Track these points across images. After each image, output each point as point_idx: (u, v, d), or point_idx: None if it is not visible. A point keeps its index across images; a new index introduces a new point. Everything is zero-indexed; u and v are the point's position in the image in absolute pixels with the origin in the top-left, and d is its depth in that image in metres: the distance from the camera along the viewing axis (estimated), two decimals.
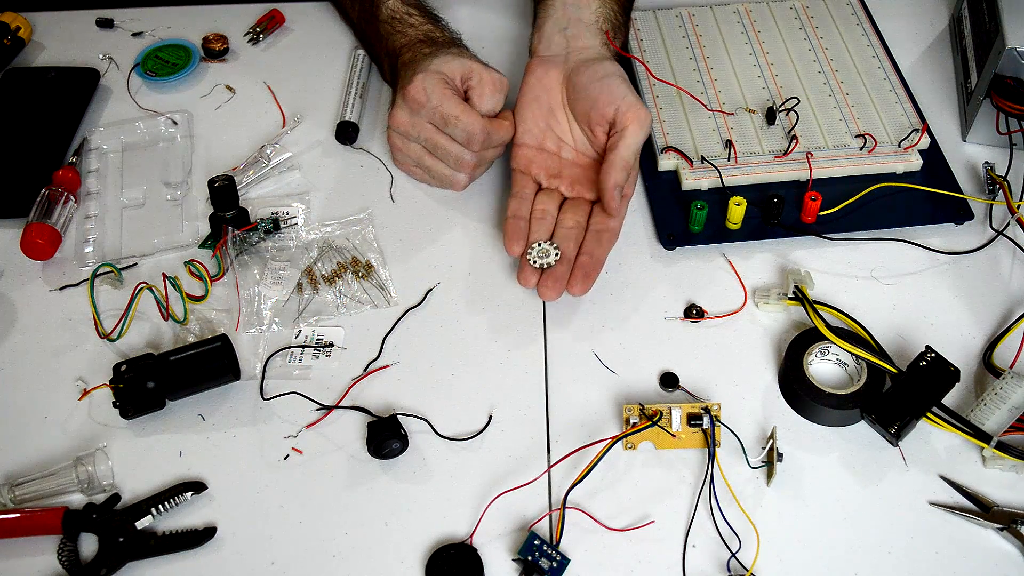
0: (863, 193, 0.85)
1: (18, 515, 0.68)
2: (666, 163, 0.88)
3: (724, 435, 0.72)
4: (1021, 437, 0.71)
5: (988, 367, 0.75)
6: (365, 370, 0.77)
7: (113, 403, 0.73)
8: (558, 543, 0.67)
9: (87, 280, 0.80)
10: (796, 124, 0.89)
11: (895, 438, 0.70)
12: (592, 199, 0.83)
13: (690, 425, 0.71)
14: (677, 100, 0.92)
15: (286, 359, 0.78)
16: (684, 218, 0.85)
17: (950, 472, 0.70)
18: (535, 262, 0.78)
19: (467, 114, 0.81)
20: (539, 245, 0.79)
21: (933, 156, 0.89)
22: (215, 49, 1.01)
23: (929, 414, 0.70)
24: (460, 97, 0.83)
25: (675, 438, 0.71)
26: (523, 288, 0.81)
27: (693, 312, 0.80)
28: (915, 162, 0.88)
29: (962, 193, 0.86)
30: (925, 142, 0.89)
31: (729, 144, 0.88)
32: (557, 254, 0.79)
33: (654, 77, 0.93)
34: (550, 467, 0.71)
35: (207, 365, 0.74)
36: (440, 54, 0.84)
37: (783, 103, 0.91)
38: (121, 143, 0.94)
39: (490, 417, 0.74)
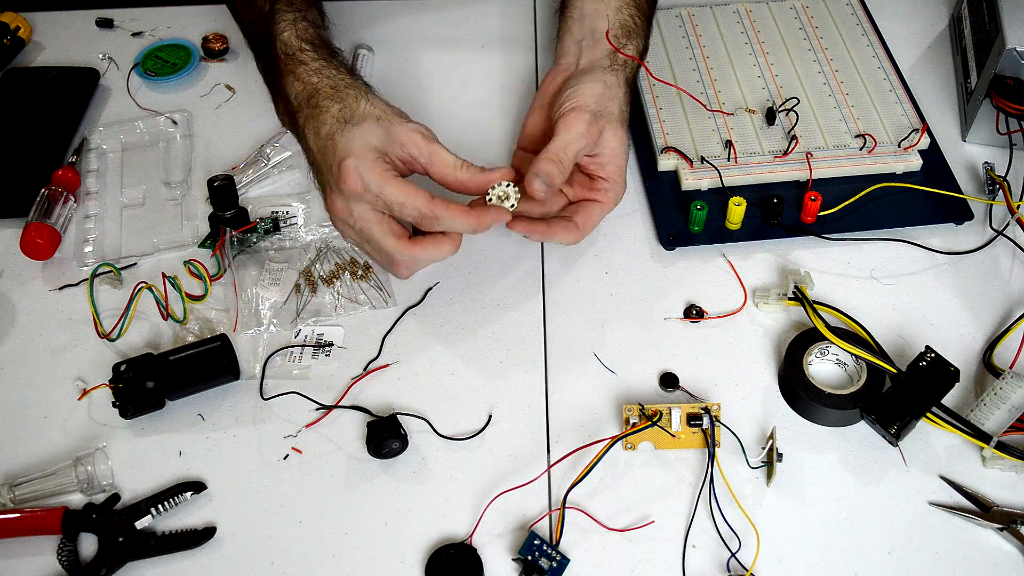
0: (863, 193, 0.85)
1: (18, 515, 0.68)
2: (666, 163, 0.88)
3: (724, 435, 0.72)
4: (1021, 437, 0.71)
5: (988, 367, 0.75)
6: (365, 370, 0.77)
7: (113, 403, 0.73)
8: (558, 543, 0.67)
9: (87, 280, 0.80)
10: (796, 124, 0.89)
11: (895, 438, 0.70)
12: (572, 199, 0.82)
13: (690, 425, 0.71)
14: (677, 100, 0.92)
15: (286, 359, 0.78)
16: (684, 218, 0.85)
17: (950, 472, 0.70)
18: (490, 200, 0.75)
19: (412, 196, 0.73)
20: (499, 186, 0.75)
21: (933, 156, 0.89)
22: (215, 49, 1.01)
23: (929, 414, 0.70)
24: (394, 172, 0.75)
25: (675, 438, 0.71)
26: (522, 288, 0.81)
27: (693, 312, 0.80)
28: (915, 162, 0.88)
29: (962, 193, 0.86)
30: (925, 142, 0.89)
31: (729, 144, 0.88)
32: (518, 196, 0.75)
33: (654, 77, 0.93)
34: (550, 467, 0.71)
35: (207, 365, 0.74)
36: (358, 124, 0.75)
37: (783, 103, 0.91)
38: (121, 143, 0.94)
39: (490, 417, 0.74)
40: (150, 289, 0.78)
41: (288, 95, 0.80)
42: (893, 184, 0.86)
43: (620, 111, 0.81)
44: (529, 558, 0.66)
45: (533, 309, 0.81)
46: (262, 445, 0.73)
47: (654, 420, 0.71)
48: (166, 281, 0.79)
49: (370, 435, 0.71)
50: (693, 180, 0.86)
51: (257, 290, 0.81)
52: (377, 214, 0.75)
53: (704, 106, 0.92)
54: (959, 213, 0.85)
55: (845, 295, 0.80)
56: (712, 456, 0.70)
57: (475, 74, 0.99)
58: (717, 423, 0.71)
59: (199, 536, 0.68)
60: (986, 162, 0.88)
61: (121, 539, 0.67)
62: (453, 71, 1.00)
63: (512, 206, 0.75)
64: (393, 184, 0.73)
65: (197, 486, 0.70)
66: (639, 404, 0.72)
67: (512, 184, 0.75)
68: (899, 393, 0.71)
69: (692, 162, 0.87)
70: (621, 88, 0.82)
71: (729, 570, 0.66)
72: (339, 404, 0.75)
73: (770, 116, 0.90)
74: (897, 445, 0.71)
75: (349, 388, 0.76)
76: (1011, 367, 0.75)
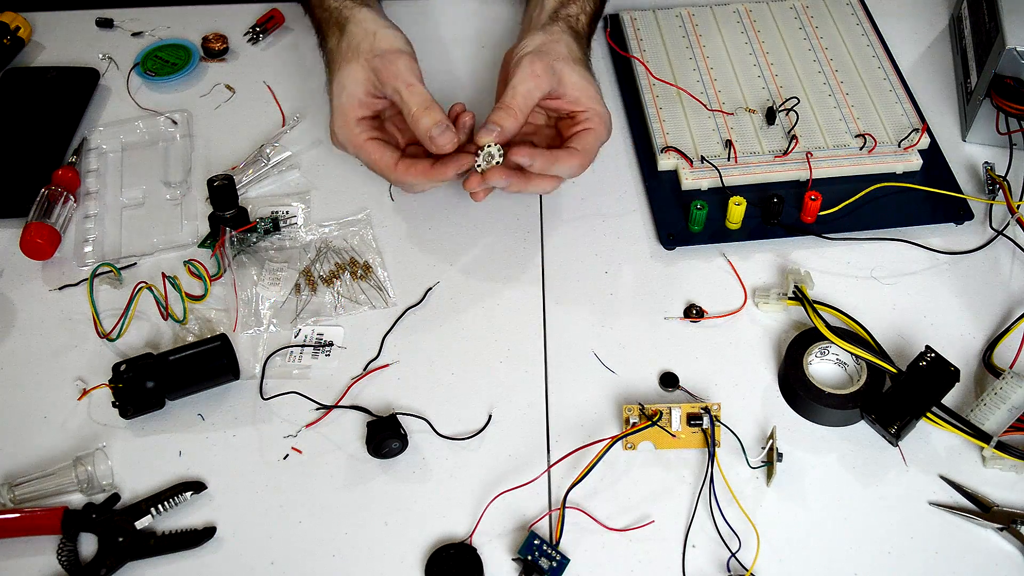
0: (863, 193, 0.85)
1: (18, 515, 0.68)
2: (666, 163, 0.88)
3: (724, 435, 0.72)
4: (1021, 437, 0.71)
5: (988, 367, 0.75)
6: (365, 369, 0.77)
7: (113, 403, 0.73)
8: (558, 543, 0.67)
9: (86, 280, 0.80)
10: (796, 124, 0.89)
11: (895, 438, 0.70)
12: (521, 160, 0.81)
13: (690, 425, 0.71)
14: (677, 100, 0.92)
15: (285, 358, 0.78)
16: (684, 218, 0.85)
17: (950, 472, 0.70)
18: (480, 167, 0.77)
19: (375, 160, 0.80)
20: (485, 148, 0.77)
21: (933, 156, 0.89)
22: (215, 49, 1.01)
23: (929, 414, 0.70)
24: (371, 133, 0.81)
25: (675, 438, 0.71)
26: (523, 287, 0.82)
27: (693, 312, 0.80)
28: (915, 162, 0.88)
29: (962, 193, 0.86)
30: (925, 142, 0.89)
31: (729, 144, 0.88)
32: (501, 153, 0.77)
33: (654, 77, 0.93)
34: (550, 467, 0.71)
35: (206, 365, 0.74)
36: (346, 66, 0.81)
37: (783, 103, 0.91)
38: (121, 143, 0.94)
39: (490, 417, 0.74)
40: (150, 289, 0.78)
41: (316, 23, 0.90)
42: (893, 184, 0.86)
43: (569, 52, 0.82)
44: (529, 558, 0.66)
45: (533, 309, 0.81)
46: (262, 445, 0.73)
47: (654, 420, 0.71)
48: (166, 281, 0.79)
49: (370, 435, 0.71)
50: (693, 180, 0.86)
51: (257, 290, 0.81)
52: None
53: (704, 106, 0.92)
54: (959, 213, 0.85)
55: (845, 295, 0.80)
56: (712, 456, 0.70)
57: (475, 74, 0.99)
58: (717, 423, 0.71)
59: (199, 536, 0.68)
60: (986, 162, 0.88)
61: (121, 539, 0.67)
62: (453, 71, 0.99)
63: (498, 163, 0.77)
64: (365, 148, 0.80)
65: (197, 486, 0.70)
66: (639, 404, 0.72)
67: (496, 145, 0.77)
68: (899, 393, 0.71)
69: (692, 162, 0.87)
70: (564, 34, 0.83)
71: (729, 570, 0.66)
72: (339, 404, 0.75)
73: (770, 116, 0.90)
74: (897, 445, 0.71)
75: (349, 388, 0.76)
76: (1011, 367, 0.75)
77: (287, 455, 0.73)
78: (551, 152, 0.78)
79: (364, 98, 0.80)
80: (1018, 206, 0.84)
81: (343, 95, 0.80)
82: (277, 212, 0.87)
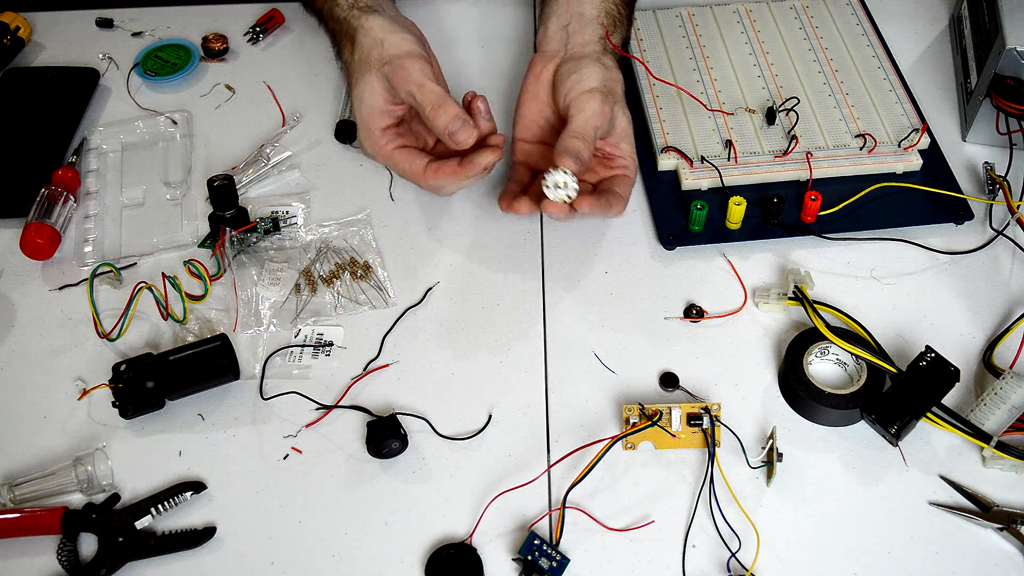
0: (863, 193, 0.85)
1: (18, 515, 0.68)
2: (666, 163, 0.88)
3: (724, 435, 0.72)
4: (1021, 437, 0.71)
5: (988, 367, 0.75)
6: (365, 369, 0.77)
7: (113, 403, 0.73)
8: (558, 543, 0.67)
9: (86, 280, 0.80)
10: (796, 124, 0.89)
11: (895, 438, 0.70)
12: (594, 181, 0.82)
13: (690, 425, 0.71)
14: (677, 100, 0.92)
15: (286, 358, 0.78)
16: (684, 218, 0.85)
17: (950, 472, 0.70)
18: (549, 193, 0.74)
19: (404, 170, 0.81)
20: (555, 173, 0.74)
21: (933, 156, 0.89)
22: (215, 49, 1.01)
23: (929, 414, 0.70)
24: (398, 142, 0.81)
25: (675, 438, 0.71)
26: (522, 288, 0.81)
27: (693, 312, 0.80)
28: (915, 162, 0.88)
29: (962, 193, 0.86)
30: (925, 142, 0.89)
31: (729, 144, 0.88)
32: (576, 187, 0.74)
33: (654, 77, 0.93)
34: (550, 467, 0.71)
35: (206, 364, 0.74)
36: (361, 79, 0.82)
37: (783, 103, 0.91)
38: (121, 143, 0.94)
39: (490, 417, 0.74)
40: (150, 289, 0.78)
41: (330, 34, 0.91)
42: (893, 184, 0.86)
43: (622, 92, 0.83)
44: (529, 558, 0.66)
45: (533, 309, 0.81)
46: (262, 445, 0.73)
47: (654, 420, 0.71)
48: (166, 281, 0.79)
49: (370, 435, 0.71)
50: (693, 180, 0.86)
51: (257, 290, 0.81)
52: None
53: (704, 106, 0.92)
54: (959, 213, 0.85)
55: (845, 295, 0.80)
56: (712, 456, 0.70)
57: (475, 74, 0.99)
58: (717, 423, 0.71)
59: (199, 536, 0.68)
60: (986, 162, 0.88)
61: (121, 539, 0.67)
62: (453, 71, 0.99)
63: (569, 197, 0.74)
64: (393, 158, 0.81)
65: (197, 486, 0.70)
66: (639, 404, 0.72)
67: (571, 173, 0.74)
68: (899, 393, 0.71)
69: (692, 162, 0.87)
70: (618, 71, 0.84)
71: (729, 570, 0.66)
72: (339, 404, 0.75)
73: (770, 116, 0.90)
74: (897, 445, 0.71)
75: (349, 388, 0.76)
76: (1011, 367, 0.75)
77: (287, 455, 0.73)
78: (604, 200, 0.77)
79: (384, 107, 0.81)
80: (1018, 206, 0.84)
81: (363, 108, 0.81)
82: (277, 212, 0.87)
